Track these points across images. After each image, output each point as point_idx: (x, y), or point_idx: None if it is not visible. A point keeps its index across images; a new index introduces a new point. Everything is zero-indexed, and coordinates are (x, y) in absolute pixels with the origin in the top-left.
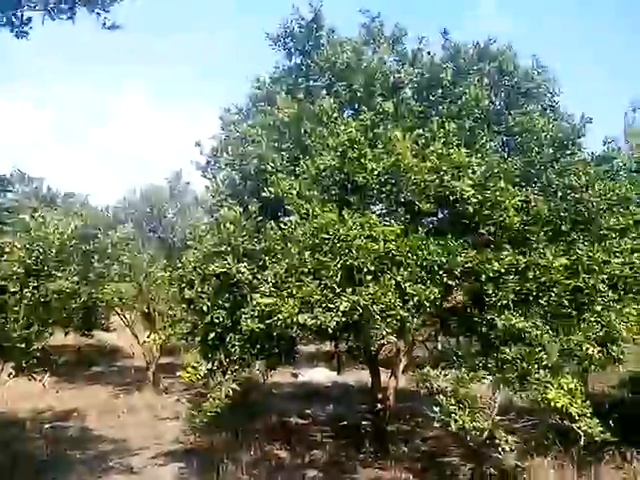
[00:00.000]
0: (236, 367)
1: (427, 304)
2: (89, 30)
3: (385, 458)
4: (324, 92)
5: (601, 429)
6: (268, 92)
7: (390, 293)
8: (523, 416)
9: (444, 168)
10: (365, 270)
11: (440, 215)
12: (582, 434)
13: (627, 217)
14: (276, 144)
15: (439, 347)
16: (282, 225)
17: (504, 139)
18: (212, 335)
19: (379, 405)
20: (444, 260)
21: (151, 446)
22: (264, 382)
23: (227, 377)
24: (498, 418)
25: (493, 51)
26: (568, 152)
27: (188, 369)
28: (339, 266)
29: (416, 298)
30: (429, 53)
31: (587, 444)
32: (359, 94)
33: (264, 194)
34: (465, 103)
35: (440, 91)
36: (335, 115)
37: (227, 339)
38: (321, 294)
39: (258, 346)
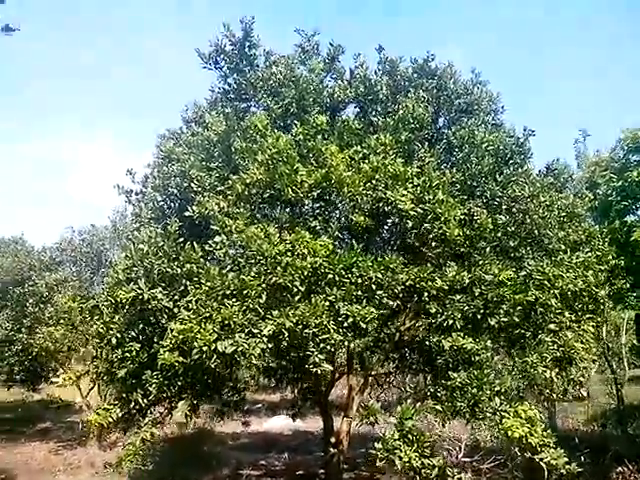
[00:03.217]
0: (159, 409)
1: (363, 325)
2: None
3: None
4: (257, 110)
5: (566, 460)
6: (202, 114)
7: (324, 314)
8: (491, 455)
9: (377, 177)
10: (294, 290)
11: (379, 231)
12: (545, 466)
13: (579, 232)
14: (204, 163)
15: (393, 383)
16: (206, 247)
17: (445, 156)
18: (123, 372)
19: (332, 450)
20: (381, 276)
21: None
22: (214, 433)
23: (146, 420)
24: (465, 460)
25: (432, 68)
26: (510, 163)
27: (99, 411)
28: (264, 286)
29: (350, 319)
30: (363, 66)
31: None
32: (291, 109)
33: (187, 213)
34: (402, 116)
35: (378, 107)
36: (267, 132)
37: (144, 377)
38: (243, 317)
39: (180, 383)
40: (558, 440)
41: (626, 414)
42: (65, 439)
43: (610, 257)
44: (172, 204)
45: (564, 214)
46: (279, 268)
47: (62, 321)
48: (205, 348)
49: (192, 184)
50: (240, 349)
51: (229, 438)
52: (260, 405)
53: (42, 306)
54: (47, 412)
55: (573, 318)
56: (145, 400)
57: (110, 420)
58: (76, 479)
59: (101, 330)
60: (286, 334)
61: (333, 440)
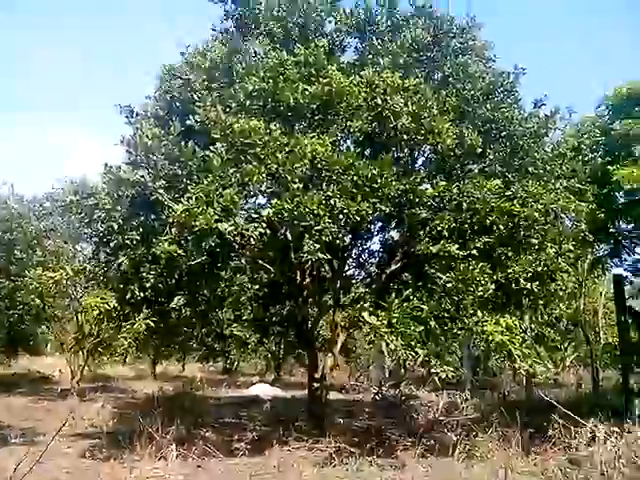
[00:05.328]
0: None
1: (357, 219)
2: None
3: (320, 435)
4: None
5: (544, 368)
6: (203, 47)
7: (320, 206)
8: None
9: (377, 84)
10: (294, 183)
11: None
12: (524, 373)
13: (563, 168)
14: (206, 83)
15: None
16: (207, 152)
17: (440, 84)
18: (123, 259)
19: (315, 384)
20: (376, 173)
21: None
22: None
23: (142, 315)
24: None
25: (430, 11)
26: (501, 90)
27: (96, 298)
28: (264, 175)
29: (345, 212)
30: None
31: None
32: (293, 34)
33: (189, 122)
34: (402, 43)
35: (377, 38)
36: (269, 54)
37: (141, 269)
38: (244, 202)
39: (176, 276)
40: None
41: (600, 394)
42: (44, 395)
43: (590, 195)
44: (174, 116)
45: (550, 150)
46: (280, 156)
47: (50, 265)
48: (207, 226)
49: (194, 95)
50: (239, 229)
51: (210, 399)
52: (239, 383)
53: (30, 252)
54: (23, 382)
55: (555, 232)
56: (141, 294)
57: (107, 307)
58: (60, 417)
59: (101, 227)
60: (285, 215)
61: (317, 375)
